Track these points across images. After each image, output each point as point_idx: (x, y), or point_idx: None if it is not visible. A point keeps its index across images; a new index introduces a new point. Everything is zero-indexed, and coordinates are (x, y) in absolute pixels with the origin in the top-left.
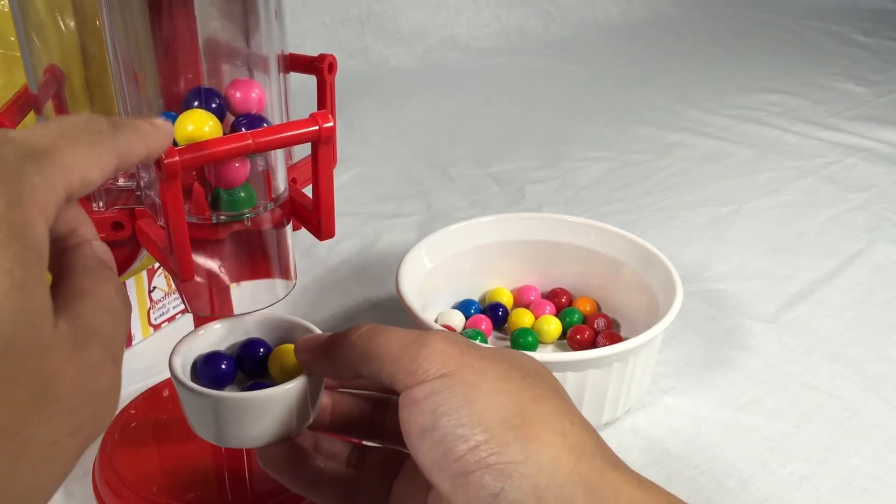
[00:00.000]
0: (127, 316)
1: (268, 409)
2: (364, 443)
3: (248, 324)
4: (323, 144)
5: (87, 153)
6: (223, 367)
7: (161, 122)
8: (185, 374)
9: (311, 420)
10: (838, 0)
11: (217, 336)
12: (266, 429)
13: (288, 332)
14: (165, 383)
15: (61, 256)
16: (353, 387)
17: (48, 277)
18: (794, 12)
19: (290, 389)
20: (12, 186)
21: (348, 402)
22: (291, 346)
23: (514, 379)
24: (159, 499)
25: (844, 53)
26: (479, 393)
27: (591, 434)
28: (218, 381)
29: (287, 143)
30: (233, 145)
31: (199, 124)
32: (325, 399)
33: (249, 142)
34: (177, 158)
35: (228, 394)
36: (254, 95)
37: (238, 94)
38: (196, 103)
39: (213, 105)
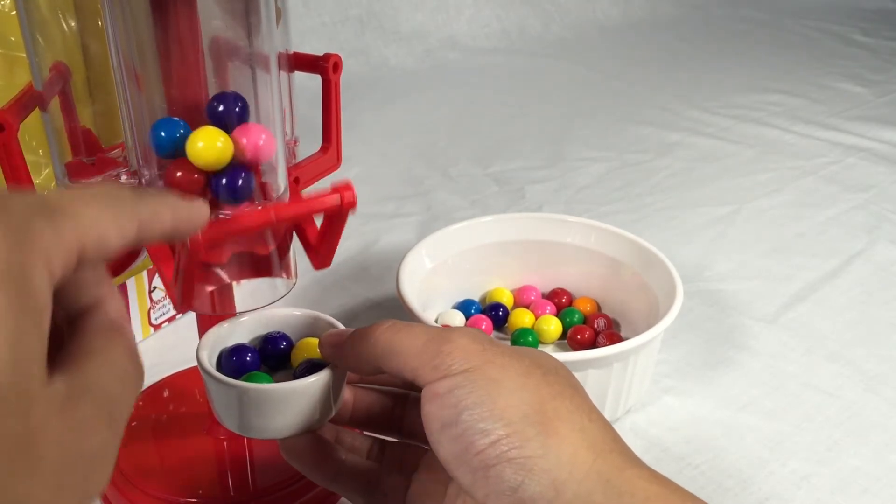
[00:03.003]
0: (136, 380)
1: (292, 401)
2: (384, 437)
3: (272, 318)
4: (343, 214)
5: (106, 214)
6: (248, 359)
7: (197, 200)
8: (211, 366)
9: (333, 413)
10: (838, 0)
11: (243, 329)
12: (289, 420)
13: (311, 326)
14: (165, 382)
15: (77, 319)
16: (374, 382)
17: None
18: (794, 12)
19: (314, 382)
20: (17, 234)
21: (370, 396)
22: (315, 340)
23: (535, 375)
24: (164, 494)
25: (844, 53)
26: (501, 388)
27: (609, 431)
28: (242, 373)
29: (310, 214)
30: (256, 221)
31: (209, 141)
32: (347, 393)
33: (271, 214)
34: (199, 237)
35: (254, 385)
36: (261, 142)
37: (244, 141)
38: (221, 108)
39: (237, 109)
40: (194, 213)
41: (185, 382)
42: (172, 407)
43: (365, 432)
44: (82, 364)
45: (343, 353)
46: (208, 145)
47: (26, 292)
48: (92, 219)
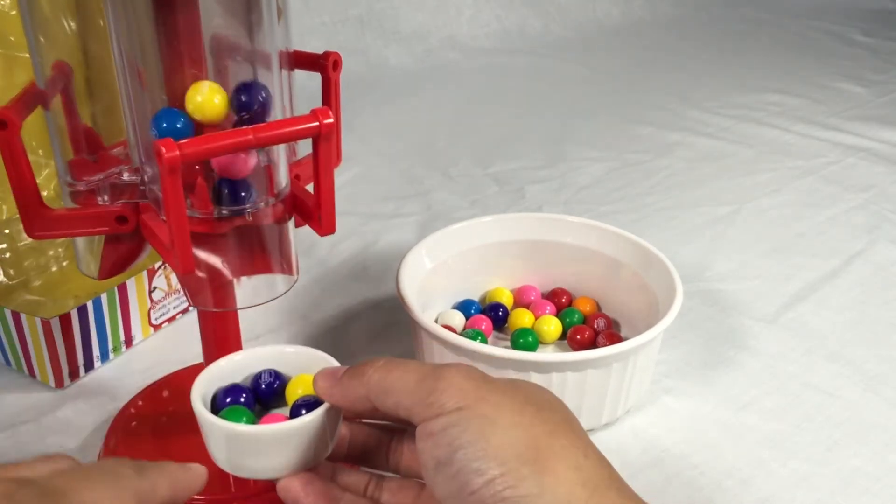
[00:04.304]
0: None
1: (286, 442)
2: (381, 473)
3: (266, 355)
4: (323, 140)
5: (105, 494)
6: (242, 399)
7: (194, 465)
8: (205, 407)
9: (329, 451)
10: (838, 0)
11: (236, 368)
12: (284, 460)
13: (306, 363)
14: (164, 382)
15: None
16: (369, 417)
17: None
18: (794, 12)
19: (309, 422)
20: None
21: (365, 432)
22: (310, 377)
23: (528, 412)
24: None
25: (844, 53)
26: (495, 427)
27: (605, 467)
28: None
29: (287, 139)
30: (234, 140)
31: (208, 96)
32: (342, 429)
33: (250, 136)
34: (177, 153)
35: (246, 427)
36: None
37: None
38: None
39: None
40: (192, 480)
41: (185, 382)
42: (172, 406)
43: (361, 468)
44: None
45: (337, 391)
46: (206, 101)
47: None
48: (92, 500)
